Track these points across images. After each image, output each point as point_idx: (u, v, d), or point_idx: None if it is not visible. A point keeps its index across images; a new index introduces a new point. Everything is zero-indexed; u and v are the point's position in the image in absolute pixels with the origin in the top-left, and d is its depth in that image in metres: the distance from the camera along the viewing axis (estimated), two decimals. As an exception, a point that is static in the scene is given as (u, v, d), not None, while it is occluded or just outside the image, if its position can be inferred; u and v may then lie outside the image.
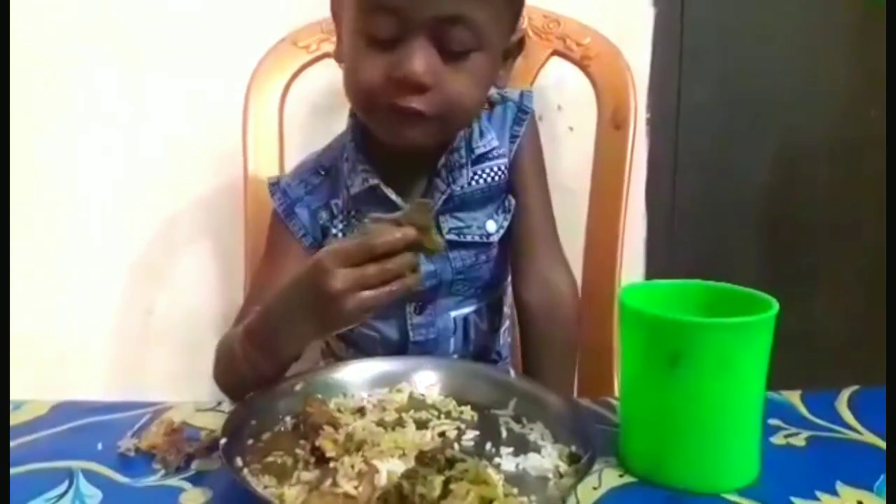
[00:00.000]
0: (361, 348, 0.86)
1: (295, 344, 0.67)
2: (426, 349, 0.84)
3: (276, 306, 0.67)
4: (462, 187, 0.80)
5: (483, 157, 0.81)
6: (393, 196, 0.79)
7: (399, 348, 0.84)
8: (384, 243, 0.60)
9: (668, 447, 0.58)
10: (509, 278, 0.91)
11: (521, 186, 0.83)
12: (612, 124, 1.03)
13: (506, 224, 0.83)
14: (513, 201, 0.83)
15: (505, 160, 0.82)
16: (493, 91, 0.82)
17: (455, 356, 0.86)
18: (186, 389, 1.32)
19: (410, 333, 0.83)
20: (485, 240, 0.82)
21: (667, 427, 0.58)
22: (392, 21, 0.68)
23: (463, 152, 0.80)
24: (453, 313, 0.85)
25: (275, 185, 0.85)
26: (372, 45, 0.70)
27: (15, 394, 0.72)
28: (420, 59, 0.68)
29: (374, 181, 0.78)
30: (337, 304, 0.61)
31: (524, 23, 1.05)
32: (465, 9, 0.68)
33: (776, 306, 0.57)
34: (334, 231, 0.81)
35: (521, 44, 0.81)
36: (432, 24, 0.68)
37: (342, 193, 0.82)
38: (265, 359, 0.67)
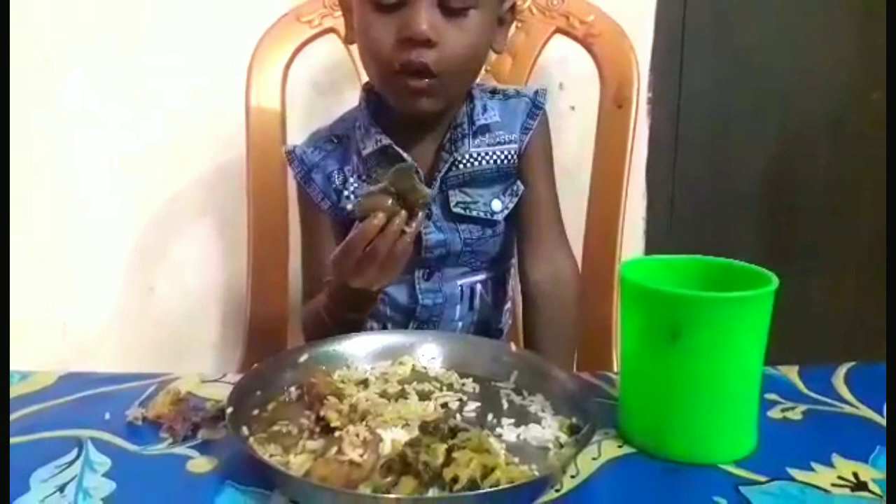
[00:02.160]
0: (372, 312, 0.88)
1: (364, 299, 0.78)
2: (434, 313, 0.88)
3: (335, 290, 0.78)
4: (465, 157, 0.84)
5: (484, 130, 0.85)
6: (404, 154, 0.82)
7: (408, 311, 0.88)
8: (371, 228, 0.68)
9: (666, 419, 0.59)
10: (514, 260, 0.93)
11: (530, 175, 0.88)
12: (614, 103, 1.03)
13: (511, 206, 0.87)
14: (521, 187, 0.87)
15: (515, 146, 0.87)
16: (510, 87, 0.91)
17: (460, 323, 0.90)
18: (188, 366, 1.33)
19: (419, 296, 0.87)
20: (489, 217, 0.86)
21: (666, 399, 0.59)
22: None
23: (465, 126, 0.84)
24: (460, 281, 0.89)
25: (291, 154, 0.89)
26: (379, 11, 0.76)
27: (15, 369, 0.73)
28: (424, 18, 0.74)
29: (386, 141, 0.83)
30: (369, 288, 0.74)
31: (528, 1, 1.06)
32: None
33: (776, 281, 0.58)
34: (346, 193, 0.86)
35: (513, 10, 0.85)
36: None
37: (353, 159, 0.86)
38: (350, 311, 0.79)
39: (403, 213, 0.69)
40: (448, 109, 0.84)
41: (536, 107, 0.88)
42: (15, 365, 0.73)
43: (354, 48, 1.06)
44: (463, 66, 0.79)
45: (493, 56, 1.04)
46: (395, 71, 0.76)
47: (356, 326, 0.81)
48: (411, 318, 0.89)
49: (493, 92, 0.89)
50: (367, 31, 0.77)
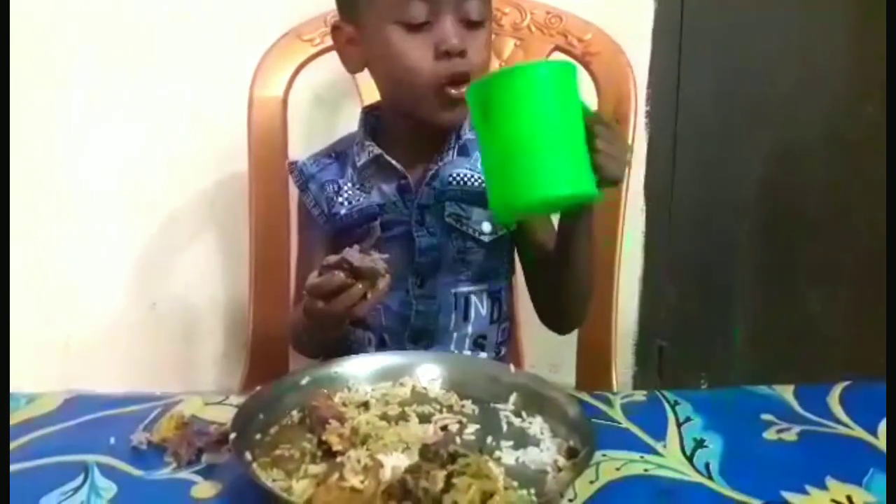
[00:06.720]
0: (369, 322, 0.92)
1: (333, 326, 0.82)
2: (428, 320, 0.90)
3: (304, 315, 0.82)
4: (453, 173, 0.89)
5: (466, 147, 0.90)
6: (394, 162, 0.89)
7: (403, 319, 0.90)
8: (326, 283, 0.73)
9: (508, 179, 0.68)
10: (512, 279, 0.97)
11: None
12: (612, 120, 1.04)
13: (500, 233, 0.91)
14: (515, 224, 0.92)
15: None
16: None
17: (455, 334, 0.91)
18: (190, 381, 1.35)
19: (413, 303, 0.90)
20: (477, 236, 0.90)
21: (502, 164, 0.68)
22: (424, 5, 0.81)
23: (452, 140, 0.90)
24: (453, 290, 0.91)
25: (293, 165, 0.97)
26: (409, 31, 0.82)
27: (19, 386, 0.74)
28: (456, 32, 0.82)
29: (377, 151, 0.89)
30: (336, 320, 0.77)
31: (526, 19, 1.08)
32: None
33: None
34: (340, 200, 0.91)
35: None
36: (456, 2, 0.82)
37: (348, 171, 0.92)
38: (322, 331, 0.84)
39: (366, 282, 0.72)
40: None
41: None
42: (19, 380, 0.73)
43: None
44: (484, 70, 0.85)
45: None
46: (438, 84, 0.82)
47: (333, 343, 0.88)
48: (406, 325, 0.91)
49: None
50: (401, 53, 0.83)
